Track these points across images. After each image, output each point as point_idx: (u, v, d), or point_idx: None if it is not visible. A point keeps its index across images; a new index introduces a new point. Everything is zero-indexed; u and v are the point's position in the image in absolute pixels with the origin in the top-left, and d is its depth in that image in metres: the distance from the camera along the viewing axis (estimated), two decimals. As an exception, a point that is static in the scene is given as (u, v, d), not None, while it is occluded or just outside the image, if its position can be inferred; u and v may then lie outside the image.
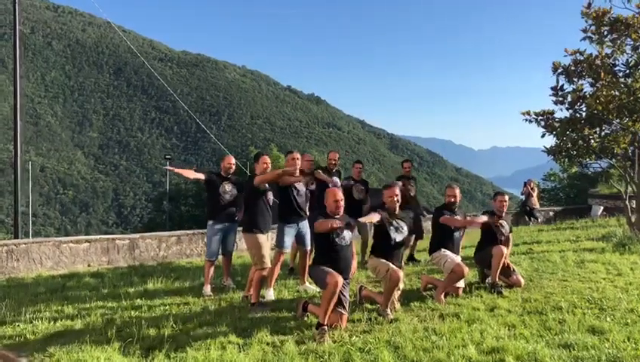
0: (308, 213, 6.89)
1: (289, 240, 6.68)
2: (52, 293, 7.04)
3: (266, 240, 6.12)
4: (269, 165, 6.41)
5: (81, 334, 4.93)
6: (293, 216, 6.65)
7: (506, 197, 7.01)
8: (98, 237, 10.08)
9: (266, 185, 6.26)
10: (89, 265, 9.43)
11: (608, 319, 5.04)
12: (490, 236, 6.76)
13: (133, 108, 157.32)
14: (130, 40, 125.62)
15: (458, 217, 6.56)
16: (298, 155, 6.67)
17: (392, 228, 5.72)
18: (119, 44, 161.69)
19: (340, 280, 4.91)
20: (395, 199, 5.74)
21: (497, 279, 6.40)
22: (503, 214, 6.90)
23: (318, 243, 5.40)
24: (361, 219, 5.67)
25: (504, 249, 6.54)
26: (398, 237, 5.73)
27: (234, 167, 7.16)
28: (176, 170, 7.24)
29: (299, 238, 6.80)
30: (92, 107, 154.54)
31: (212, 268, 6.97)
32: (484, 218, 6.74)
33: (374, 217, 5.64)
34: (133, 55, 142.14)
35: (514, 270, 6.72)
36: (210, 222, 6.99)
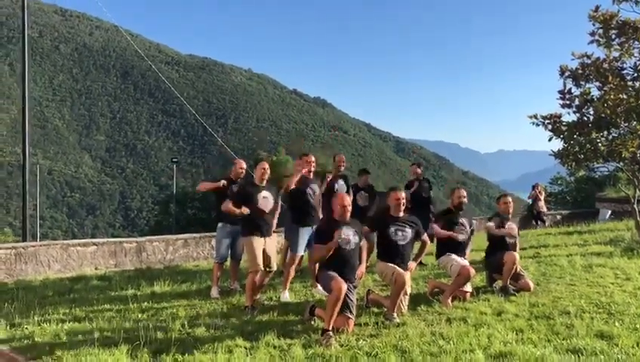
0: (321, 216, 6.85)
1: (304, 243, 6.67)
2: (60, 296, 7.08)
3: (261, 243, 6.03)
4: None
5: (89, 337, 4.94)
6: (308, 219, 6.64)
7: (510, 199, 6.96)
8: (105, 240, 10.13)
9: (265, 191, 6.17)
10: (96, 268, 9.47)
11: (617, 324, 5.00)
12: (500, 240, 6.72)
13: (140, 111, 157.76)
14: (137, 43, 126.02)
15: (464, 220, 6.57)
16: (312, 158, 6.74)
17: (393, 231, 5.72)
18: (126, 47, 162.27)
19: (344, 285, 4.89)
20: (401, 203, 5.76)
21: (507, 283, 6.38)
22: (509, 216, 6.87)
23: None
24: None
25: (517, 255, 6.49)
26: (400, 241, 5.73)
27: (245, 171, 7.19)
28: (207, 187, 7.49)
29: (309, 241, 6.74)
30: (99, 110, 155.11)
31: (220, 271, 6.99)
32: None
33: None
34: (140, 58, 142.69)
35: (523, 274, 6.70)
36: (219, 225, 7.02)
